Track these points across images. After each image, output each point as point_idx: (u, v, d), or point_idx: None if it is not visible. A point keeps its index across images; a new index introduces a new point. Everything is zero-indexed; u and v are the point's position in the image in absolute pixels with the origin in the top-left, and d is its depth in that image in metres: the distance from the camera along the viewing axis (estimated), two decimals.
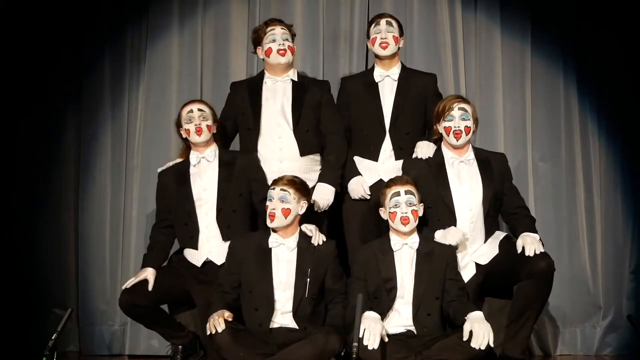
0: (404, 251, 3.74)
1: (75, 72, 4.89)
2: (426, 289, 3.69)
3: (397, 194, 3.74)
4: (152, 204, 4.22)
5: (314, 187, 4.10)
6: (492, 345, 3.44)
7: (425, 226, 3.92)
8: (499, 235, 3.96)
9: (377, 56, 4.26)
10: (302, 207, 3.80)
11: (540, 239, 3.79)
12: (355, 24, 4.89)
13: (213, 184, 4.01)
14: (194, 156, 4.06)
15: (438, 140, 4.05)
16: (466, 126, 3.92)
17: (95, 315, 4.74)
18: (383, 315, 3.63)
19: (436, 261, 3.72)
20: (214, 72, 4.91)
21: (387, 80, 4.24)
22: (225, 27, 4.94)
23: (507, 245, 3.88)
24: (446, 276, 3.72)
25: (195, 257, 3.99)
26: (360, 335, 3.35)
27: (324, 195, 4.09)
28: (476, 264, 3.88)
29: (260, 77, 4.27)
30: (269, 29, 4.18)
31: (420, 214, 3.78)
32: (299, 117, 4.15)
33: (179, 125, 4.09)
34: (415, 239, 3.76)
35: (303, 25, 4.86)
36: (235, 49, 4.93)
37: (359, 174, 4.18)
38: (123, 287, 3.90)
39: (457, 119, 3.92)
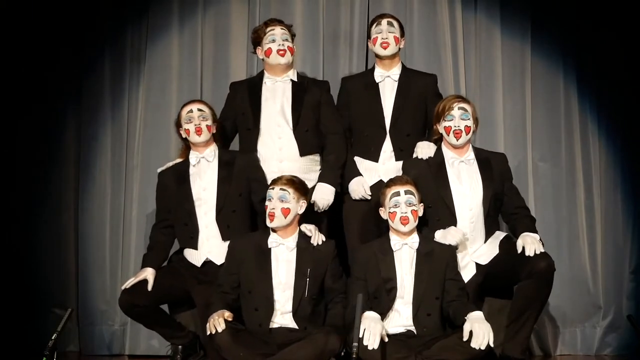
0: (404, 251, 3.75)
1: (75, 72, 4.89)
2: (426, 289, 3.69)
3: (397, 194, 3.74)
4: (152, 204, 4.22)
5: (313, 187, 4.10)
6: (492, 345, 3.44)
7: (425, 226, 3.92)
8: (499, 235, 3.96)
9: (377, 56, 4.26)
10: (301, 207, 3.80)
11: (540, 239, 3.79)
12: (355, 24, 4.89)
13: (213, 183, 4.01)
14: (193, 156, 4.06)
15: (438, 141, 4.05)
16: (466, 126, 3.92)
17: (95, 315, 4.74)
18: (383, 315, 3.63)
19: (436, 261, 3.72)
20: (214, 72, 4.91)
21: (387, 81, 4.24)
22: (225, 27, 4.94)
23: (507, 245, 3.88)
24: (446, 276, 3.72)
25: (195, 257, 3.99)
26: (360, 335, 3.35)
27: (324, 195, 4.09)
28: (476, 264, 3.88)
29: (260, 77, 4.27)
30: (268, 29, 4.18)
31: (420, 214, 3.78)
32: (298, 117, 4.15)
33: (178, 125, 4.09)
34: (415, 239, 3.76)
35: (303, 25, 4.86)
36: (235, 49, 4.93)
37: (360, 174, 4.18)
38: (122, 287, 3.90)
39: (457, 118, 3.92)
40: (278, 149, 4.14)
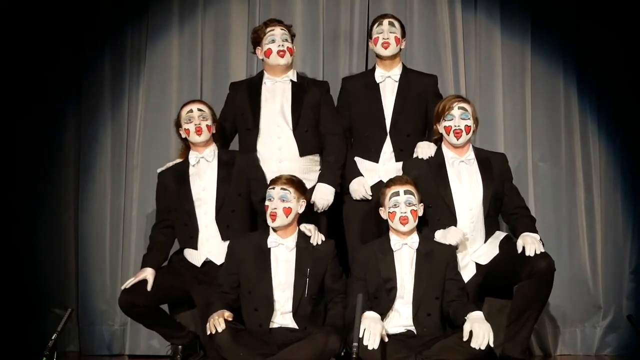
0: (404, 251, 3.75)
1: (75, 72, 4.89)
2: (426, 289, 3.69)
3: (397, 193, 3.74)
4: (152, 204, 4.22)
5: (313, 187, 4.10)
6: (492, 345, 3.44)
7: (426, 226, 3.92)
8: (499, 235, 3.96)
9: (378, 56, 4.26)
10: (301, 206, 3.81)
11: (540, 239, 3.79)
12: (355, 24, 4.89)
13: (212, 183, 4.01)
14: (193, 156, 4.06)
15: (438, 141, 4.05)
16: (466, 125, 3.92)
17: (95, 315, 4.74)
18: (383, 315, 3.63)
19: (436, 261, 3.72)
20: (214, 72, 4.91)
21: (388, 81, 4.24)
22: (225, 27, 4.94)
23: (507, 245, 3.88)
24: (446, 276, 3.72)
25: (195, 257, 3.99)
26: (360, 335, 3.35)
27: (324, 195, 4.09)
28: (476, 264, 3.88)
29: (259, 77, 4.27)
30: (268, 29, 4.18)
31: (420, 214, 3.78)
32: (298, 118, 4.15)
33: (178, 125, 4.09)
34: (415, 239, 3.76)
35: (303, 25, 4.86)
36: (235, 49, 4.92)
37: (361, 174, 4.18)
38: (122, 287, 3.90)
39: (457, 118, 3.92)
40: (277, 149, 4.14)
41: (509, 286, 3.89)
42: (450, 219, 3.88)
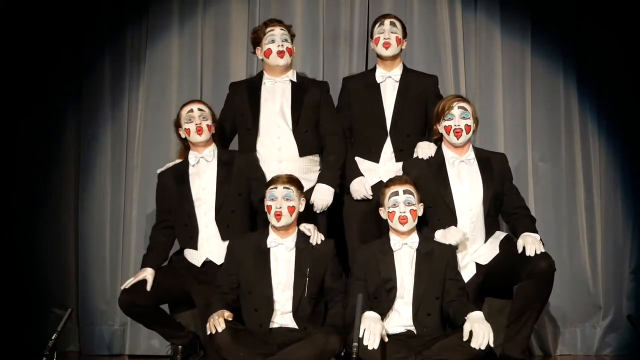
0: (404, 251, 3.74)
1: (75, 72, 4.89)
2: (426, 288, 3.68)
3: (396, 193, 3.74)
4: (152, 204, 4.22)
5: (313, 187, 4.10)
6: (492, 345, 3.44)
7: (426, 226, 3.92)
8: (500, 235, 3.96)
9: (379, 56, 4.26)
10: (301, 205, 3.81)
11: (540, 239, 3.79)
12: (355, 24, 4.89)
13: (212, 183, 4.01)
14: (192, 156, 4.06)
15: (438, 141, 4.05)
16: (466, 125, 3.92)
17: (95, 315, 4.74)
18: (383, 315, 3.62)
19: (436, 261, 3.72)
20: (214, 72, 4.90)
21: (388, 82, 4.24)
22: (225, 27, 4.94)
23: (507, 245, 3.88)
24: (446, 276, 3.72)
25: (195, 257, 3.99)
26: (360, 335, 3.35)
27: (323, 195, 4.09)
28: (476, 264, 3.88)
29: (259, 77, 4.27)
30: (268, 29, 4.17)
31: (420, 213, 3.78)
32: (298, 118, 4.15)
33: (178, 125, 4.09)
34: (415, 239, 3.76)
35: (303, 25, 4.85)
36: (235, 49, 4.92)
37: (361, 174, 4.18)
38: (122, 287, 3.90)
39: (457, 117, 3.91)
40: (277, 149, 4.14)
41: (509, 286, 3.89)
42: (450, 219, 3.88)
